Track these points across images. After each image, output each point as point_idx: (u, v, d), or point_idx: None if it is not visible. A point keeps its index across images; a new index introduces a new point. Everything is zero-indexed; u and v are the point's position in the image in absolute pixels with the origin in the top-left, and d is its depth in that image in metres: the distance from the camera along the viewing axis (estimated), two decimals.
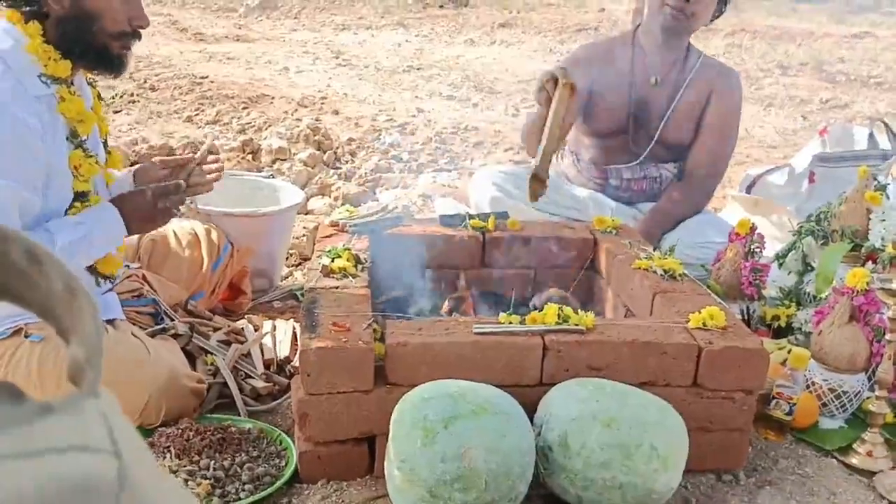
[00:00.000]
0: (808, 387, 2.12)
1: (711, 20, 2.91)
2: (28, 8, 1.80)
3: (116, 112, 5.63)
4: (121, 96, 5.99)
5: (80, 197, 1.91)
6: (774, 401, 2.02)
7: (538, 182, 2.28)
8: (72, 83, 1.89)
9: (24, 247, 0.32)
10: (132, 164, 4.24)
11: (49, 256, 0.33)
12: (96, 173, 1.95)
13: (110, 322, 1.98)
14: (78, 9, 1.80)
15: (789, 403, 2.00)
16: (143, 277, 2.32)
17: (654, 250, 2.43)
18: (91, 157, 1.92)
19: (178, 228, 2.50)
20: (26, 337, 1.87)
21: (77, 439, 0.27)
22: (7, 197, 1.71)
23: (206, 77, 6.91)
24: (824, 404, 2.12)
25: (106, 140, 2.09)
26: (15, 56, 1.78)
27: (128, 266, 2.28)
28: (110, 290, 2.06)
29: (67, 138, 1.87)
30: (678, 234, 2.81)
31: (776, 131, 6.46)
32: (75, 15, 1.80)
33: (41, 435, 0.27)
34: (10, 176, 1.71)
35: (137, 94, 6.13)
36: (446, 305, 2.35)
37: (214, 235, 2.51)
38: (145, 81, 6.56)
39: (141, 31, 1.91)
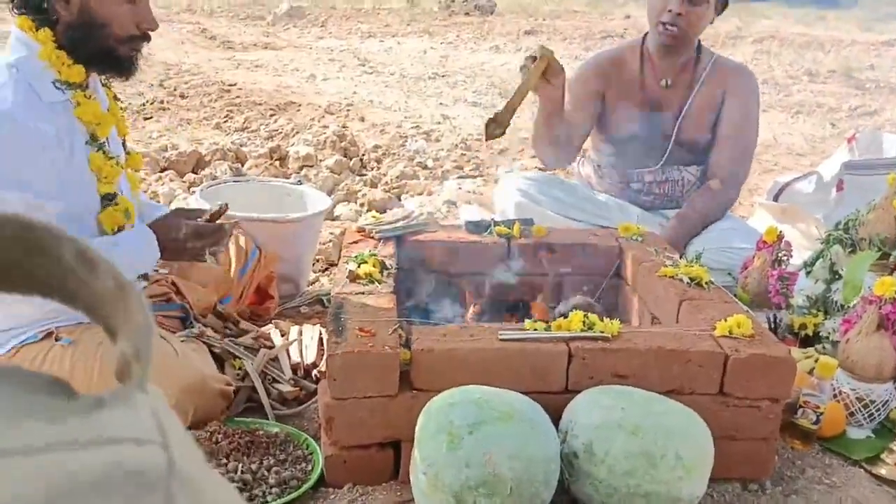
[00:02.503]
0: (835, 396, 2.11)
1: (713, 20, 2.92)
2: (38, 15, 1.81)
3: (147, 119, 5.71)
4: (151, 103, 6.07)
5: (108, 199, 1.93)
6: (801, 410, 2.01)
7: (496, 124, 2.48)
8: (87, 87, 1.91)
9: (77, 247, 0.34)
10: (161, 171, 4.32)
11: (100, 257, 0.34)
12: (119, 174, 1.97)
13: None
14: (86, 15, 1.81)
15: (816, 412, 1.99)
16: (172, 283, 2.35)
17: (681, 257, 2.43)
18: (112, 158, 1.94)
19: None
20: (57, 340, 1.90)
21: (128, 431, 0.28)
22: (8, 202, 1.71)
23: (235, 84, 6.99)
24: (851, 413, 2.10)
25: (124, 141, 2.11)
26: (28, 64, 1.79)
27: (157, 270, 2.31)
28: None
29: (87, 142, 1.89)
30: (704, 240, 2.81)
31: (804, 139, 6.42)
32: (84, 21, 1.81)
33: (94, 426, 0.28)
34: (20, 182, 1.72)
35: (167, 102, 6.21)
36: (471, 312, 2.36)
37: (242, 241, 2.53)
38: (175, 89, 6.65)
39: (150, 33, 1.91)
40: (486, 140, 2.61)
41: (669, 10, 2.80)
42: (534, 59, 2.54)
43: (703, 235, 2.86)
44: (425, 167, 4.82)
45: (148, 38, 1.92)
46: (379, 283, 2.09)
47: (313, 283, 3.06)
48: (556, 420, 1.69)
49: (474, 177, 4.66)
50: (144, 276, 2.10)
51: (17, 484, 0.25)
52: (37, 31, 1.81)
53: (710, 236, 2.84)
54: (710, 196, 2.93)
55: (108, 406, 0.29)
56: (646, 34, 3.02)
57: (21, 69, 1.78)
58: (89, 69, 1.89)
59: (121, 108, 2.14)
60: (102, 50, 1.85)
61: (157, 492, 0.27)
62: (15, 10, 1.84)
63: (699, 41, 2.99)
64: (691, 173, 3.01)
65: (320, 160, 4.69)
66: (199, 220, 2.09)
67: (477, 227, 2.55)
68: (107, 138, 1.94)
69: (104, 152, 1.91)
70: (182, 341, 2.08)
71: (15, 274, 0.34)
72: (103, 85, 2.04)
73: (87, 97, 1.89)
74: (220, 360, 2.17)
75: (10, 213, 0.33)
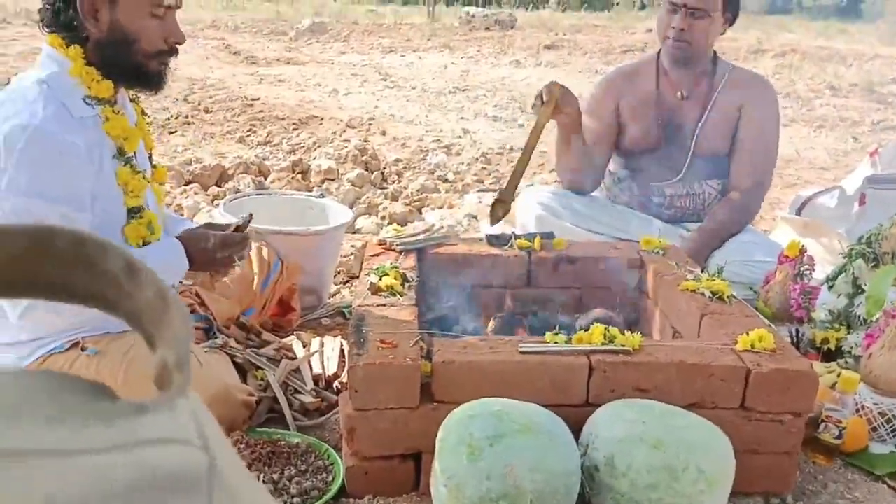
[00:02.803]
0: (857, 411, 2.09)
1: (724, 31, 2.93)
2: (68, 33, 1.84)
3: (172, 133, 5.78)
4: (176, 117, 6.14)
5: (134, 212, 1.96)
6: (823, 424, 1.99)
7: (501, 203, 2.56)
8: (115, 102, 1.94)
9: (123, 258, 0.35)
10: (186, 184, 4.36)
11: (144, 267, 0.35)
12: (145, 188, 2.00)
13: None
14: (115, 31, 1.83)
15: (838, 427, 1.98)
16: (196, 294, 2.37)
17: (703, 271, 2.43)
18: (139, 173, 1.97)
19: None
20: (83, 350, 1.93)
21: (171, 434, 0.29)
22: (43, 214, 1.74)
23: (258, 99, 7.06)
24: (874, 428, 2.09)
25: (151, 155, 2.15)
26: (58, 80, 1.82)
27: (182, 282, 2.34)
28: None
29: (114, 156, 1.91)
30: (726, 253, 2.80)
31: (827, 153, 6.38)
32: (113, 38, 1.84)
33: (138, 429, 0.29)
34: (53, 195, 1.75)
35: (192, 116, 6.28)
36: (492, 324, 2.36)
37: (265, 253, 2.56)
38: (199, 103, 6.73)
39: (178, 46, 1.94)
40: (492, 223, 2.67)
41: (673, 27, 2.82)
42: (542, 99, 2.65)
43: (724, 248, 2.85)
44: (446, 180, 4.84)
45: (176, 53, 1.94)
46: (400, 296, 2.10)
47: (334, 295, 3.08)
48: (575, 433, 1.69)
49: (494, 190, 4.65)
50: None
51: (66, 484, 0.26)
52: (67, 48, 1.84)
53: (731, 249, 2.83)
54: (732, 208, 2.92)
55: (150, 411, 0.30)
56: (660, 50, 3.04)
57: (52, 85, 1.82)
58: (118, 84, 1.93)
59: (147, 123, 2.18)
60: (132, 65, 1.88)
61: (199, 494, 0.28)
62: (45, 29, 1.88)
63: (715, 53, 3.00)
64: (713, 187, 3.01)
65: (342, 174, 4.72)
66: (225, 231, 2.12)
67: (498, 240, 2.56)
68: (133, 153, 1.97)
69: (131, 166, 1.94)
70: (206, 352, 2.10)
71: (61, 284, 0.35)
72: (131, 100, 2.07)
73: (115, 112, 1.92)
74: (242, 371, 2.19)
75: (62, 225, 0.34)
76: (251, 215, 2.16)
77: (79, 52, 1.85)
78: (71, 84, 1.84)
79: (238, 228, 2.13)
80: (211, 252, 2.02)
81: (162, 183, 2.20)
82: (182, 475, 0.28)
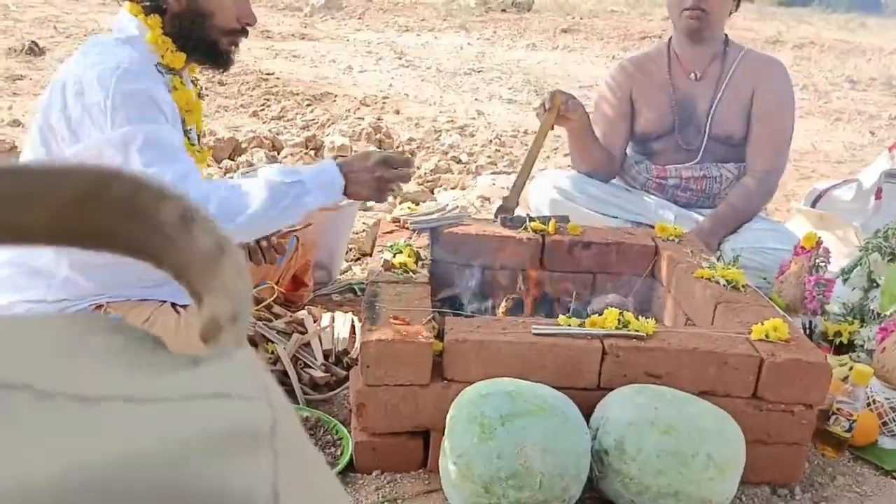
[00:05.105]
0: (868, 405, 2.08)
1: (734, 9, 2.96)
2: (148, 3, 1.90)
3: None
4: None
5: None
6: (834, 417, 1.99)
7: (504, 210, 2.61)
8: (182, 75, 1.99)
9: (180, 207, 0.33)
10: None
11: (202, 217, 0.33)
12: (202, 162, 2.05)
13: (183, 307, 2.04)
14: (193, 6, 1.90)
15: (849, 420, 1.97)
16: None
17: (718, 259, 2.41)
18: (194, 146, 2.02)
19: None
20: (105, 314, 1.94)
21: (232, 386, 0.28)
22: (154, 133, 1.78)
23: (273, 74, 7.03)
24: (885, 423, 2.08)
25: (199, 136, 2.17)
26: (136, 42, 1.89)
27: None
28: None
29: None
30: (739, 240, 2.78)
31: (843, 146, 6.33)
32: (191, 12, 1.90)
33: (200, 381, 0.28)
34: (153, 117, 1.80)
35: (206, 89, 6.22)
36: (503, 305, 2.36)
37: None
38: (213, 76, 6.70)
39: (249, 27, 1.99)
40: (495, 218, 2.66)
41: None
42: (545, 107, 2.70)
43: (738, 235, 2.84)
44: (459, 161, 4.82)
45: (246, 34, 2.00)
46: (413, 274, 2.10)
47: (345, 271, 3.07)
48: (586, 417, 1.69)
49: (508, 173, 4.64)
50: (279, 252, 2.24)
51: (140, 433, 0.25)
52: (146, 16, 1.90)
53: (745, 237, 2.81)
54: (745, 193, 2.91)
55: (207, 362, 0.29)
56: (671, 38, 3.07)
57: (133, 45, 1.87)
58: (190, 59, 1.97)
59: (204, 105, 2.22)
60: (205, 41, 1.93)
61: (265, 449, 0.27)
62: None
63: (727, 35, 3.00)
64: (729, 171, 2.99)
65: (355, 151, 4.71)
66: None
67: (512, 222, 2.55)
68: (194, 126, 2.03)
69: (188, 139, 1.98)
70: None
71: (109, 233, 0.33)
72: (191, 81, 2.11)
73: (182, 83, 1.97)
74: (253, 344, 2.20)
75: (123, 170, 0.32)
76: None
77: (157, 21, 1.90)
78: (147, 49, 1.89)
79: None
80: (370, 169, 1.95)
81: (204, 165, 2.23)
82: (248, 430, 0.27)
